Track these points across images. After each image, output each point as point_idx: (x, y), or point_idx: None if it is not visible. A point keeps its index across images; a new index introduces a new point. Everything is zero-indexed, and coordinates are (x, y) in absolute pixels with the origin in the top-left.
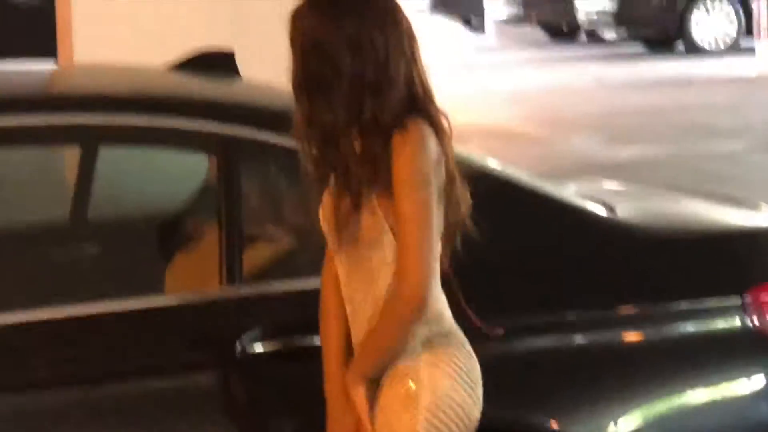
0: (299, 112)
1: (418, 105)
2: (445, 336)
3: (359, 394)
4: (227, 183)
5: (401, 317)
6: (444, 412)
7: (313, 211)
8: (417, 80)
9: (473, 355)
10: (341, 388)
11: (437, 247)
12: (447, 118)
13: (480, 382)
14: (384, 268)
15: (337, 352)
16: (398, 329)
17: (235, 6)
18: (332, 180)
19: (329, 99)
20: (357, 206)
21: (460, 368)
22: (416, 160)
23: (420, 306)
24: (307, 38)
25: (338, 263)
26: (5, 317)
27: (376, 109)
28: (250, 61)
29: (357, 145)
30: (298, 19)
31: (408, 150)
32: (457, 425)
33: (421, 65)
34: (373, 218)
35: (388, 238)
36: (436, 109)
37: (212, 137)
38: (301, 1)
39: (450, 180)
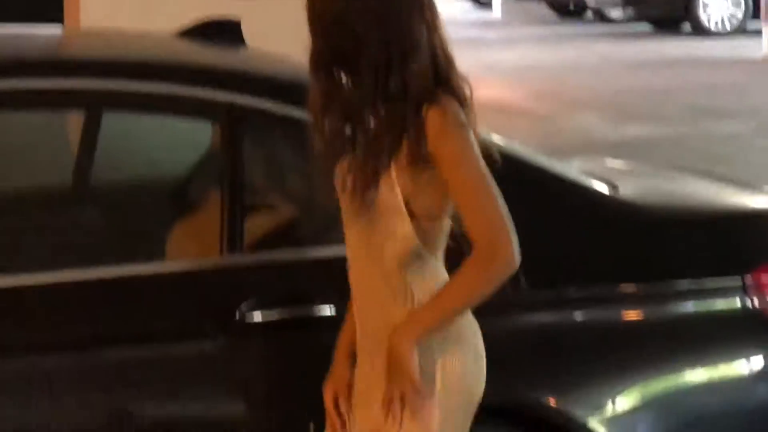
0: (317, 89)
1: (441, 74)
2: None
3: (414, 356)
4: (230, 151)
5: (493, 277)
6: (456, 392)
7: (326, 185)
8: (439, 48)
9: (478, 330)
10: (340, 356)
11: None
12: (469, 86)
13: (484, 356)
14: (390, 241)
15: (349, 325)
16: (490, 290)
17: None
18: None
19: (353, 72)
20: (377, 178)
21: (469, 344)
22: (462, 132)
23: (515, 265)
24: (329, 13)
25: (349, 239)
26: (4, 280)
27: (405, 77)
28: (256, 30)
29: (374, 119)
30: None
31: (449, 125)
32: (465, 400)
33: (442, 33)
34: (389, 190)
35: (401, 211)
36: (459, 78)
37: (216, 105)
38: None
39: None
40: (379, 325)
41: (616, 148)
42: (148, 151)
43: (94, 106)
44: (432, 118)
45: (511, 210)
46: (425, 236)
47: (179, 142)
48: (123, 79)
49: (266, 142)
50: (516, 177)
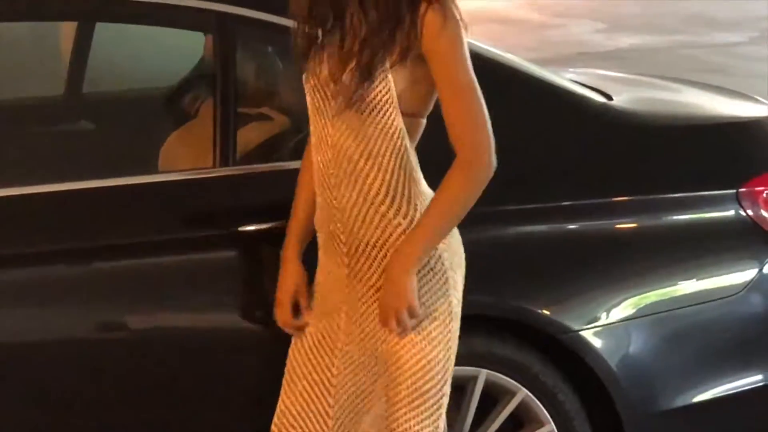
0: None
1: None
2: None
3: (414, 284)
4: (223, 62)
5: (478, 183)
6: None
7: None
8: None
9: (457, 234)
10: (292, 254)
11: None
12: None
13: (463, 263)
14: (382, 135)
15: (299, 222)
16: (473, 196)
17: None
18: (330, 47)
19: None
20: (371, 73)
21: (461, 256)
22: (459, 33)
23: (492, 169)
24: None
25: (329, 138)
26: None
27: None
28: None
29: (363, 17)
30: None
31: (449, 25)
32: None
33: None
34: (384, 85)
35: (396, 106)
36: None
37: (209, 15)
38: None
39: None
40: (360, 223)
41: (611, 57)
42: (141, 62)
43: (87, 16)
44: (432, 17)
45: (502, 119)
46: (408, 133)
47: (172, 52)
48: None
49: (258, 53)
50: (508, 86)
